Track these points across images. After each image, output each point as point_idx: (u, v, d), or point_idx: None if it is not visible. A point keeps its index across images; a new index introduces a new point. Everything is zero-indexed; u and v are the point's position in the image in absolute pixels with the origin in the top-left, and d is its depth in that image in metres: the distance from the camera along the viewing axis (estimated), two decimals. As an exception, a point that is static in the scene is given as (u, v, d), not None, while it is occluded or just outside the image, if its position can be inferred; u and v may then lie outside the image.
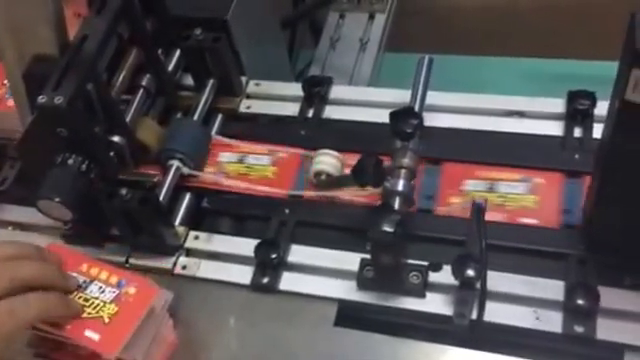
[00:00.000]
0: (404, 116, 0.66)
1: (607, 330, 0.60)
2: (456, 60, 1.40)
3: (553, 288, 0.62)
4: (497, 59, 1.43)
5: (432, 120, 0.77)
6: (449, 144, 0.75)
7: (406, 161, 0.67)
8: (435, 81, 1.11)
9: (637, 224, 0.57)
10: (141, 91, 0.78)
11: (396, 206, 0.65)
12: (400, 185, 0.66)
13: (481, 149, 0.73)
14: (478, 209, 0.67)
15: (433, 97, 0.78)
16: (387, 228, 0.58)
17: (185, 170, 0.77)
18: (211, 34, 0.80)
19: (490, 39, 1.42)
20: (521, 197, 0.69)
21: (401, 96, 0.80)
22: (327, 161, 0.73)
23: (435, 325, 0.64)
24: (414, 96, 0.74)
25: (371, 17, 1.30)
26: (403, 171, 0.66)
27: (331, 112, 0.83)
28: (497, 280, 0.64)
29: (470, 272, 0.61)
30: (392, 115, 0.67)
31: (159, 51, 0.82)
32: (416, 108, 0.72)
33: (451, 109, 0.79)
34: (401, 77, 1.13)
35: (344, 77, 1.23)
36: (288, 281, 0.69)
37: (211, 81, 0.84)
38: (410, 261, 0.66)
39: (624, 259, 0.61)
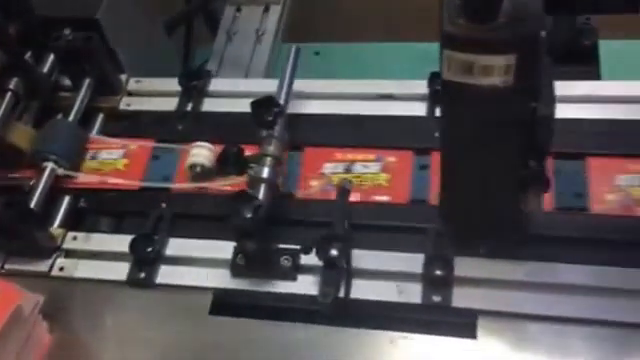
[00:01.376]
0: (265, 105, 0.67)
1: (462, 298, 0.63)
2: (353, 48, 1.43)
3: (414, 261, 0.65)
4: (395, 45, 1.47)
5: (305, 107, 0.80)
6: (317, 129, 0.77)
7: (271, 149, 0.68)
8: (330, 69, 1.13)
9: (482, 196, 0.60)
10: (9, 95, 0.77)
11: (261, 193, 0.66)
12: (264, 172, 0.67)
13: (345, 133, 0.76)
14: (343, 191, 0.69)
15: (305, 85, 0.80)
16: (246, 214, 0.60)
17: (60, 171, 0.76)
18: (82, 34, 0.80)
19: (388, 26, 1.45)
20: (375, 176, 0.72)
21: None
22: (201, 153, 0.74)
23: (306, 306, 0.66)
24: (281, 85, 0.75)
25: (266, 9, 1.31)
26: (268, 159, 0.68)
27: (210, 105, 0.84)
28: (362, 258, 0.66)
29: (334, 252, 0.64)
30: (253, 105, 0.68)
31: (28, 53, 0.81)
32: (282, 96, 0.74)
33: (324, 95, 0.81)
34: (301, 67, 1.15)
35: (241, 70, 1.23)
36: (165, 274, 0.70)
37: (87, 80, 0.84)
38: (281, 245, 0.68)
39: (477, 230, 0.64)
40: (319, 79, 0.85)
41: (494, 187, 0.59)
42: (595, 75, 0.77)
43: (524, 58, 0.46)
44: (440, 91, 0.51)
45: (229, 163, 0.65)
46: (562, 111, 0.72)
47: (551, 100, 0.51)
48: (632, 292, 0.61)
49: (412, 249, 0.66)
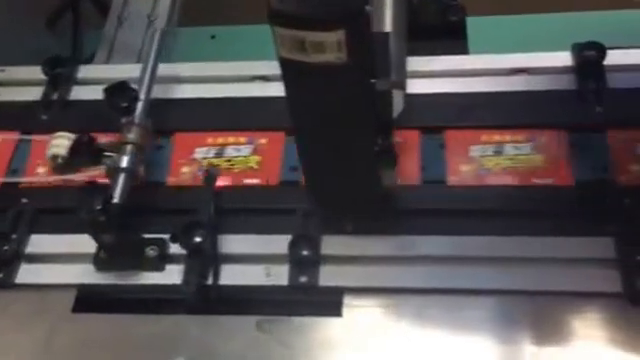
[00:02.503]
0: (119, 91, 0.65)
1: (329, 276, 0.62)
2: (252, 30, 1.40)
3: (282, 243, 0.64)
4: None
5: (175, 92, 0.77)
6: (187, 114, 0.75)
7: (130, 136, 0.66)
8: (225, 53, 1.10)
9: (340, 174, 0.60)
10: None
11: (120, 182, 0.64)
12: (124, 161, 0.65)
13: (215, 116, 0.74)
14: (210, 177, 0.68)
15: (175, 69, 0.78)
16: (95, 206, 0.58)
17: None
18: None
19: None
20: (246, 159, 0.70)
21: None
22: (62, 144, 0.71)
23: (172, 296, 0.64)
24: (143, 70, 0.72)
25: (158, -7, 1.27)
26: (128, 147, 0.66)
27: (79, 93, 0.81)
28: (230, 243, 0.65)
29: (198, 239, 0.62)
30: (106, 91, 0.65)
31: None
32: (145, 81, 0.71)
33: (195, 79, 0.79)
34: (197, 51, 1.13)
35: (133, 55, 1.19)
36: (26, 273, 0.67)
37: (-57, 72, 0.79)
38: (146, 235, 0.66)
39: (342, 208, 0.64)
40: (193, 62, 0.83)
41: (349, 164, 0.58)
42: (464, 50, 0.78)
43: (353, 34, 0.46)
44: (282, 69, 0.50)
45: (81, 153, 0.62)
46: (429, 85, 0.73)
47: (388, 75, 0.51)
48: (491, 259, 0.62)
49: (282, 231, 0.65)
